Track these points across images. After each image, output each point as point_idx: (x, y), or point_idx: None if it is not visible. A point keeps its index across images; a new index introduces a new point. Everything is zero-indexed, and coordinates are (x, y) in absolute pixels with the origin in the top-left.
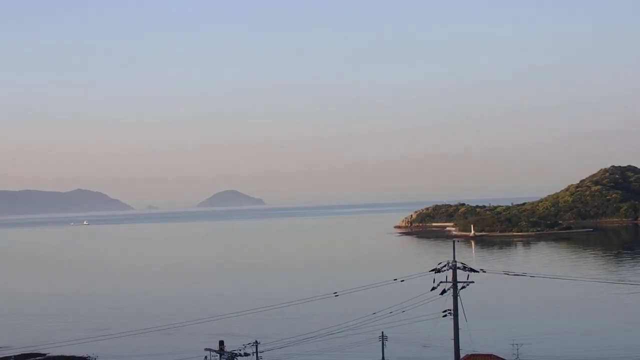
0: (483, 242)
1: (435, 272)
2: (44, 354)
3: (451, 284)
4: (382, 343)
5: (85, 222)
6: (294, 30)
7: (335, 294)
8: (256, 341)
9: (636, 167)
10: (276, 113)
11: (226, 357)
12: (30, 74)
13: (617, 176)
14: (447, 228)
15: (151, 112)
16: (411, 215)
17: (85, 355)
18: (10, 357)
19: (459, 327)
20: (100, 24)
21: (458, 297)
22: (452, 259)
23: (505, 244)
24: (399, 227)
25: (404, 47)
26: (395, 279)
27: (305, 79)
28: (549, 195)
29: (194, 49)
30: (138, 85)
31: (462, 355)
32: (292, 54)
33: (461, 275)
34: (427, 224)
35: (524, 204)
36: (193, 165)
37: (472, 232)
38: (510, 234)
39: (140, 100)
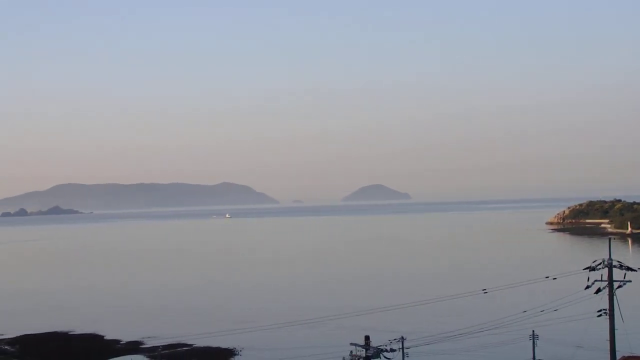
0: None
1: (590, 270)
2: (191, 345)
3: (607, 282)
4: (533, 342)
5: (227, 215)
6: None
7: (484, 291)
8: (402, 337)
9: None
10: (428, 110)
11: (372, 352)
12: (150, 70)
13: None
14: (602, 225)
15: (292, 103)
16: (564, 212)
17: (230, 347)
18: (158, 347)
19: (615, 328)
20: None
21: (614, 297)
22: (608, 257)
23: None
24: (550, 223)
25: None
26: (547, 277)
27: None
28: None
29: (345, 40)
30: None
31: (618, 357)
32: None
33: (617, 274)
34: (580, 221)
35: None
36: (340, 159)
37: (629, 229)
38: None
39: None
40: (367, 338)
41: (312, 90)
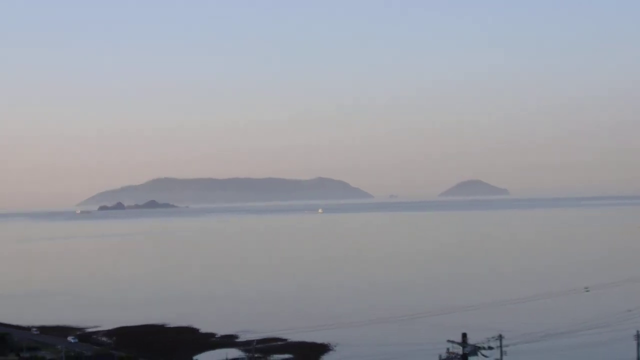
0: None
1: None
2: (285, 340)
3: None
4: (638, 343)
5: (319, 210)
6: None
7: (587, 289)
8: (500, 335)
9: None
10: (527, 105)
11: (469, 349)
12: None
13: None
14: None
15: (391, 101)
16: None
17: (325, 343)
18: (253, 341)
19: None
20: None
21: None
22: None
23: None
24: None
25: None
26: None
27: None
28: None
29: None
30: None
31: None
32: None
33: None
34: None
35: None
36: (436, 153)
37: None
38: None
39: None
40: (464, 335)
41: (413, 88)
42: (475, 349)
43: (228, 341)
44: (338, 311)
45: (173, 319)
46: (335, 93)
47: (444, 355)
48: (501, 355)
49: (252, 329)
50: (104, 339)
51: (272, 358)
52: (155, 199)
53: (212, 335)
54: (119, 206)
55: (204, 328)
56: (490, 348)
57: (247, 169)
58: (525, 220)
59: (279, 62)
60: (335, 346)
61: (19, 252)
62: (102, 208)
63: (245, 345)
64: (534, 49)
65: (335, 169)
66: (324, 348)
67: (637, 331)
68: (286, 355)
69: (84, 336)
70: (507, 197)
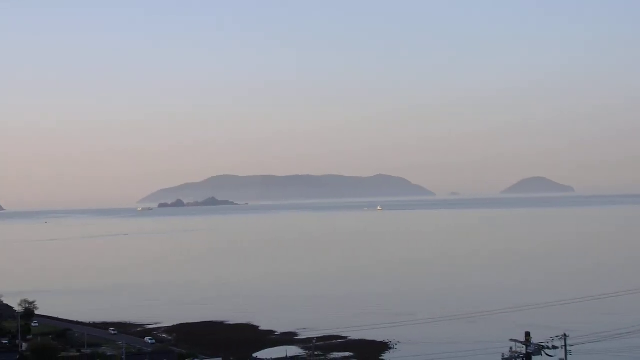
0: None
1: None
2: (345, 337)
3: None
4: None
5: (378, 208)
6: None
7: None
8: (565, 334)
9: None
10: (589, 101)
11: (533, 348)
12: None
13: None
14: None
15: (447, 99)
16: None
17: (385, 341)
18: (313, 338)
19: None
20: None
21: None
22: None
23: None
24: None
25: None
26: None
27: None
28: None
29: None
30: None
31: None
32: None
33: None
34: None
35: None
36: (498, 150)
37: None
38: None
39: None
40: (527, 334)
41: (475, 88)
42: (539, 348)
43: (288, 339)
44: (399, 309)
45: (233, 316)
46: (397, 93)
47: (507, 354)
48: (566, 354)
49: (312, 327)
50: (163, 335)
51: (332, 356)
52: (214, 196)
53: (271, 332)
54: (179, 203)
55: (264, 325)
56: (554, 347)
57: (307, 166)
58: (590, 218)
59: (338, 64)
60: (396, 344)
61: (80, 249)
62: (162, 205)
63: (305, 343)
64: (597, 47)
65: (395, 167)
66: (384, 346)
67: None
68: (346, 353)
69: (145, 333)
70: (572, 195)
